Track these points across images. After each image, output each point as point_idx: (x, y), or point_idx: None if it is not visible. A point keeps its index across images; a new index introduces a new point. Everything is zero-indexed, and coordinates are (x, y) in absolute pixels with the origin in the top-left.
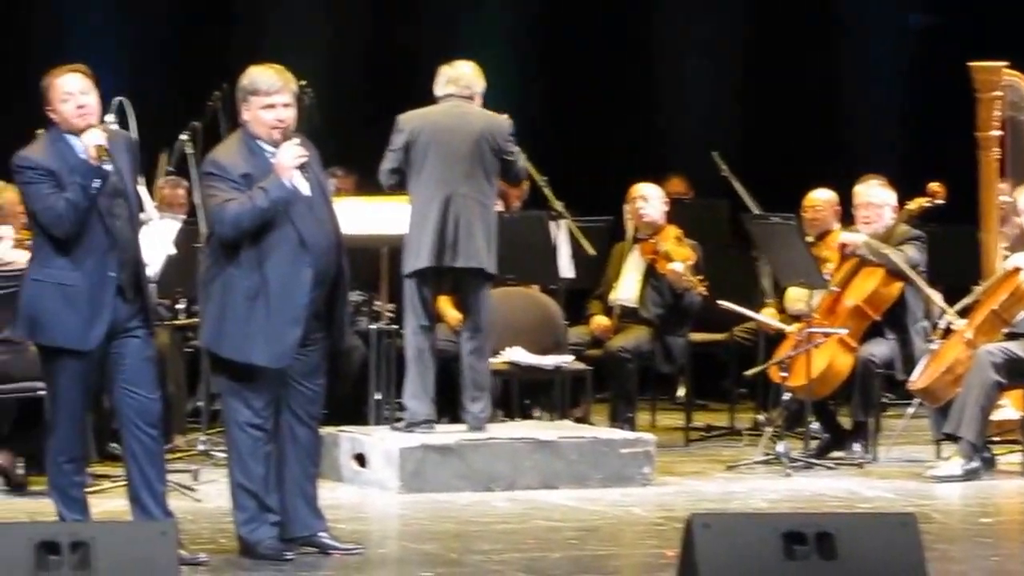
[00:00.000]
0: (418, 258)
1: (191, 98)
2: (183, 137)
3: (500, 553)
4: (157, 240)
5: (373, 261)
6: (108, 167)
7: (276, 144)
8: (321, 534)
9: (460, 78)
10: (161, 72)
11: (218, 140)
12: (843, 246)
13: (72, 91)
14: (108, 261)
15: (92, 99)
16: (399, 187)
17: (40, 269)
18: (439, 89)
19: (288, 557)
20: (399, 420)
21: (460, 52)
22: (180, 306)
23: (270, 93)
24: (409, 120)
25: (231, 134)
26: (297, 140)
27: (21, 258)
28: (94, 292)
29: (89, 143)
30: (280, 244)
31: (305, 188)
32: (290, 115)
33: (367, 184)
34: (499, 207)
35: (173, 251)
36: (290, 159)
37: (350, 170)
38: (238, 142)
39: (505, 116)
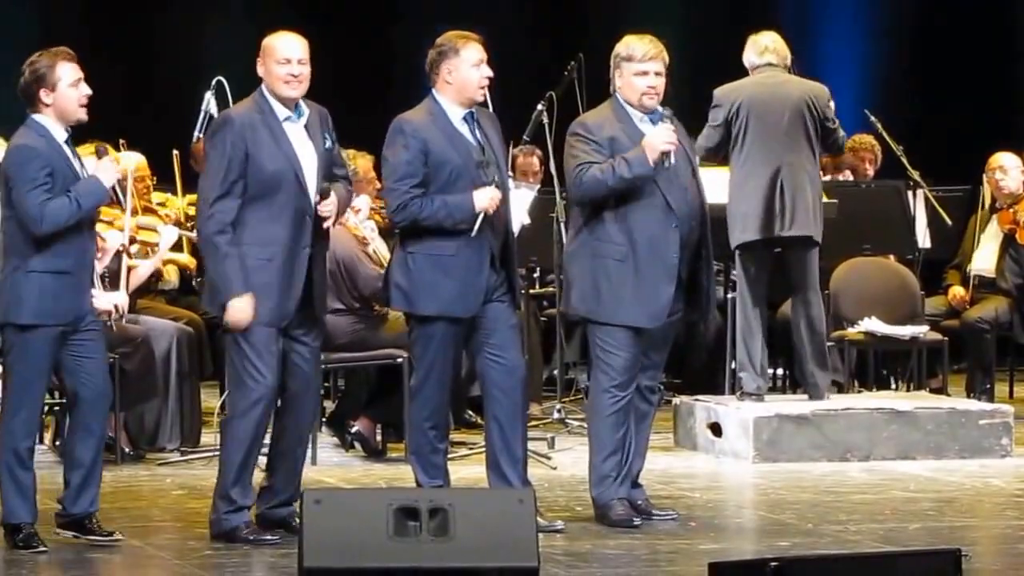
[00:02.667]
0: (745, 231)
1: (548, 67)
2: (539, 107)
3: (857, 524)
4: (512, 209)
5: None
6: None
7: (646, 111)
8: (639, 503)
9: (779, 47)
10: (520, 38)
11: (574, 110)
12: None
13: (478, 61)
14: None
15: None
16: (716, 161)
17: (415, 241)
18: (756, 58)
19: (636, 523)
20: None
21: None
22: (535, 275)
23: (644, 60)
24: (726, 94)
25: (603, 103)
26: (671, 124)
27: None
28: (471, 259)
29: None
30: (646, 207)
31: (671, 155)
32: (661, 83)
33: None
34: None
35: (527, 221)
36: (661, 140)
37: None
38: (608, 108)
39: (821, 84)
